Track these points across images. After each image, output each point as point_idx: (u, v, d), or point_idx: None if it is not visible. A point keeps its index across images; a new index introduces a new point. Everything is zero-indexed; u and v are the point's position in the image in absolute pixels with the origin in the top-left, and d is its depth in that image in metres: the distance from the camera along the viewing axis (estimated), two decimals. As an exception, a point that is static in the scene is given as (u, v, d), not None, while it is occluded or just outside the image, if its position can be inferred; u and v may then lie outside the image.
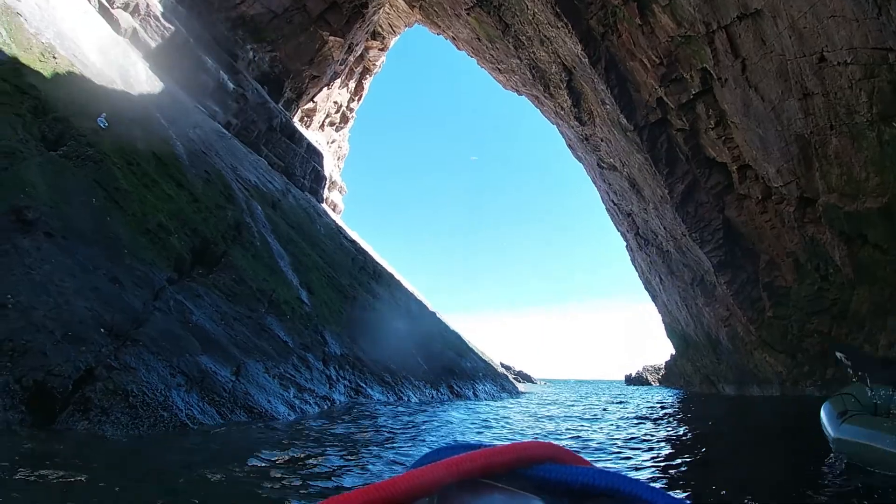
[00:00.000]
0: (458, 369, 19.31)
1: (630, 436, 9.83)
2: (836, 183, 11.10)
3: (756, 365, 17.02)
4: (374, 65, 42.18)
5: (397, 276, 28.20)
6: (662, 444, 9.09)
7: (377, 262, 25.01)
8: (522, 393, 29.94)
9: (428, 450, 0.67)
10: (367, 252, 25.22)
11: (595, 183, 27.23)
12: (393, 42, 41.98)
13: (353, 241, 24.39)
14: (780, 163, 12.63)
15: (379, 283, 21.29)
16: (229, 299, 10.05)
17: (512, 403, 18.63)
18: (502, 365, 44.40)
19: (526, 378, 49.56)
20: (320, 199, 29.58)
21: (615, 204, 25.22)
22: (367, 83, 43.12)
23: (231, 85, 24.74)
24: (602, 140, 21.28)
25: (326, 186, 36.27)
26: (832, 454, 6.27)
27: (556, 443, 0.63)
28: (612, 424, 12.16)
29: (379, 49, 40.83)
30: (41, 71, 12.34)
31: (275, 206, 17.98)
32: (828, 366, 13.00)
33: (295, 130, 28.18)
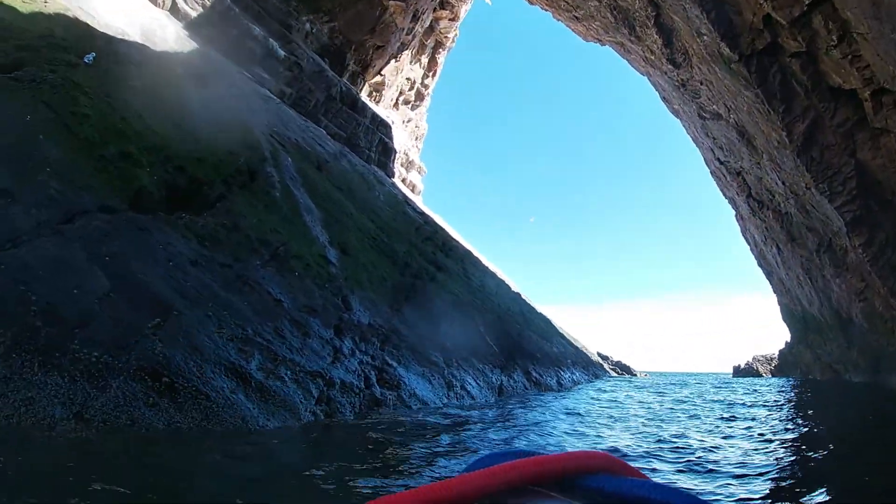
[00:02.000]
0: (540, 354, 15.95)
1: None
2: None
3: (902, 349, 12.84)
4: (446, 38, 39.39)
5: (477, 254, 25.13)
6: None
7: (450, 236, 22.05)
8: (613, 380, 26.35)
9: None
10: (438, 225, 22.32)
11: (697, 142, 22.89)
12: (464, 11, 39.03)
13: (421, 213, 21.58)
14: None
15: (448, 255, 18.32)
16: (203, 243, 7.47)
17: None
18: (599, 354, 40.18)
19: (625, 369, 44.26)
20: (390, 174, 27.05)
21: (721, 163, 20.88)
22: (440, 58, 40.45)
23: (282, 52, 22.72)
24: (702, 83, 17.20)
25: (402, 164, 33.94)
26: None
27: (611, 454, 0.59)
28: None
29: (449, 19, 37.98)
30: (16, 7, 10.53)
31: (320, 168, 15.49)
32: None
33: (358, 99, 25.82)
